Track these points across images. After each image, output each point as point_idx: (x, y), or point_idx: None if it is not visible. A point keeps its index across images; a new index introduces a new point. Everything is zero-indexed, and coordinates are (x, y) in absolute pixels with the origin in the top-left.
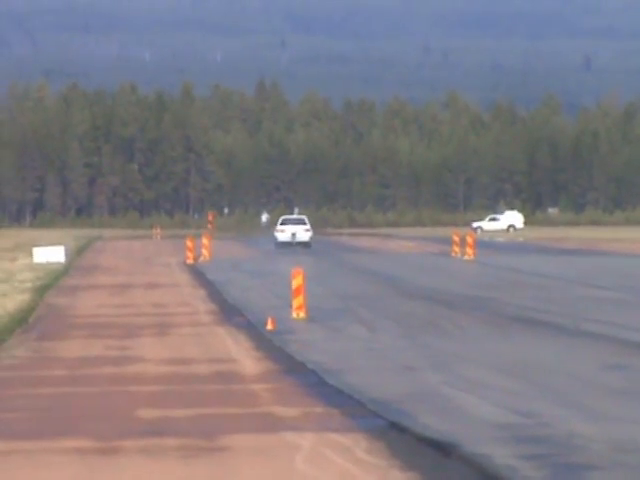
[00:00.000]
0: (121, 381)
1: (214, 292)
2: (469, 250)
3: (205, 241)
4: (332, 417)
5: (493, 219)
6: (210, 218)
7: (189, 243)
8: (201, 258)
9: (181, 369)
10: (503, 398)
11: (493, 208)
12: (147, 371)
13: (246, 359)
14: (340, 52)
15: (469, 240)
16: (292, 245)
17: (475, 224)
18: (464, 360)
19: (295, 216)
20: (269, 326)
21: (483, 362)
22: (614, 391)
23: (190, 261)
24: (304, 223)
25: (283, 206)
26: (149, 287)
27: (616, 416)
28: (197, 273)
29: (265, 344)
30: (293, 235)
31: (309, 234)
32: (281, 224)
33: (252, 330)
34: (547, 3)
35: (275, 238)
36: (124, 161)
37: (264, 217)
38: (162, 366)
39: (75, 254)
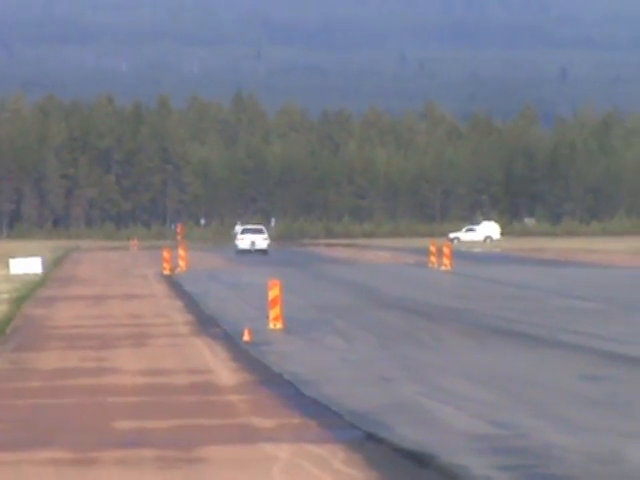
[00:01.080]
0: (98, 392)
1: (191, 303)
2: (446, 261)
3: (181, 252)
4: (309, 428)
5: (470, 230)
6: (178, 230)
7: (166, 254)
8: (178, 269)
9: (158, 380)
10: (480, 409)
11: (470, 219)
12: (124, 382)
13: (223, 370)
14: (317, 63)
15: (446, 251)
16: (251, 252)
17: (452, 235)
18: (441, 371)
19: (254, 226)
20: (246, 337)
21: (460, 373)
22: (591, 402)
23: (167, 272)
24: (262, 232)
25: (260, 217)
26: (126, 298)
27: (593, 427)
28: (174, 284)
29: (242, 355)
30: (252, 243)
31: (267, 242)
32: (241, 233)
33: (229, 341)
34: (524, 14)
35: (236, 246)
36: (101, 172)
37: (238, 228)
38: (139, 377)
39: (52, 265)
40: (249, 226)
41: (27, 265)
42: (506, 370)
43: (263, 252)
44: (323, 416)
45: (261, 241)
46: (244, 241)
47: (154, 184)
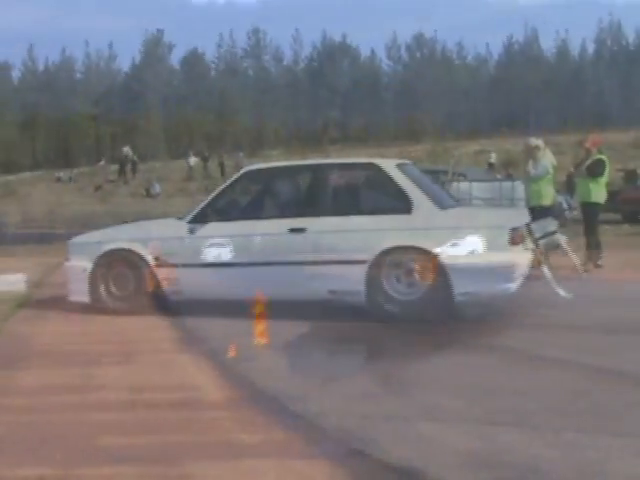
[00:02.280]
0: (81, 409)
1: (176, 318)
2: None
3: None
4: (294, 444)
5: None
6: None
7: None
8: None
9: (142, 396)
10: (468, 424)
11: None
12: (108, 398)
13: (208, 386)
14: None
15: None
16: None
17: None
18: (428, 385)
19: None
20: (231, 353)
21: (447, 387)
22: (580, 416)
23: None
24: None
25: None
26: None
27: (581, 441)
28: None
29: (227, 371)
30: None
31: None
32: None
33: (214, 357)
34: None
35: None
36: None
37: None
38: (123, 393)
39: (39, 280)
40: None
41: (10, 281)
42: (495, 383)
43: None
44: (308, 432)
45: None
46: None
47: None
